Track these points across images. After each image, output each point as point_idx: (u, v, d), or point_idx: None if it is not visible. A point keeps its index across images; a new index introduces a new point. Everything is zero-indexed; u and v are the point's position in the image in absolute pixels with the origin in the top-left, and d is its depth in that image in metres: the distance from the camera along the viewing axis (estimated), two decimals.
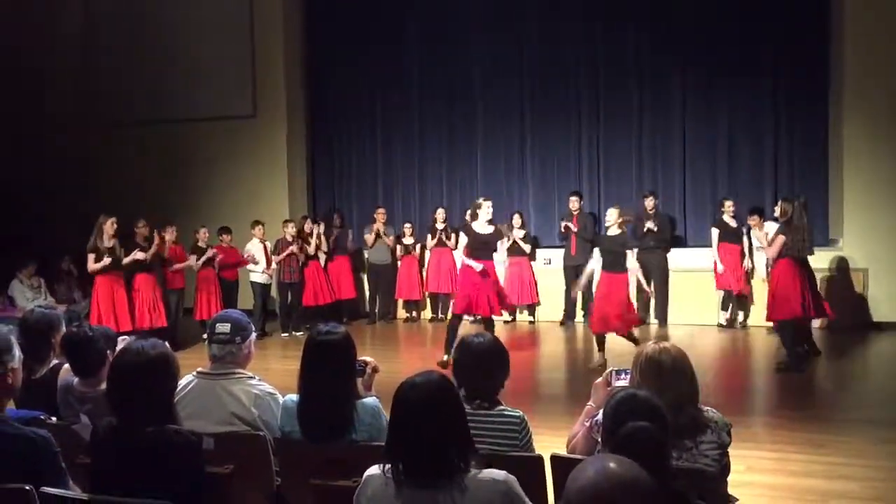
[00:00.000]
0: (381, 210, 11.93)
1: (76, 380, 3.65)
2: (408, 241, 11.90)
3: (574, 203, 11.21)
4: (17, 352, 2.80)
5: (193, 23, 12.77)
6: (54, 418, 3.49)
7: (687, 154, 11.65)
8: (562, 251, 11.46)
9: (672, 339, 9.34)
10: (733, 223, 10.48)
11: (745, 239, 10.40)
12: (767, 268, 8.82)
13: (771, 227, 8.80)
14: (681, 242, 11.46)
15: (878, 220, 10.30)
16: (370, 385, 3.55)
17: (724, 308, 10.74)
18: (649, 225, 10.70)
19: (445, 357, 8.12)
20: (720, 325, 10.66)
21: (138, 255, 9.51)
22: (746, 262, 10.37)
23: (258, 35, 12.72)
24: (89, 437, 2.89)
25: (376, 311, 11.94)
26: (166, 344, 2.96)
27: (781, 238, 7.95)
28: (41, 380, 3.81)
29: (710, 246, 10.56)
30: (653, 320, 10.90)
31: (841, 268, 10.42)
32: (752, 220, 9.74)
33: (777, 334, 8.78)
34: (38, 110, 13.12)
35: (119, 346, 3.76)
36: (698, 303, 10.71)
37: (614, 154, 11.98)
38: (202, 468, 2.74)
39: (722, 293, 10.70)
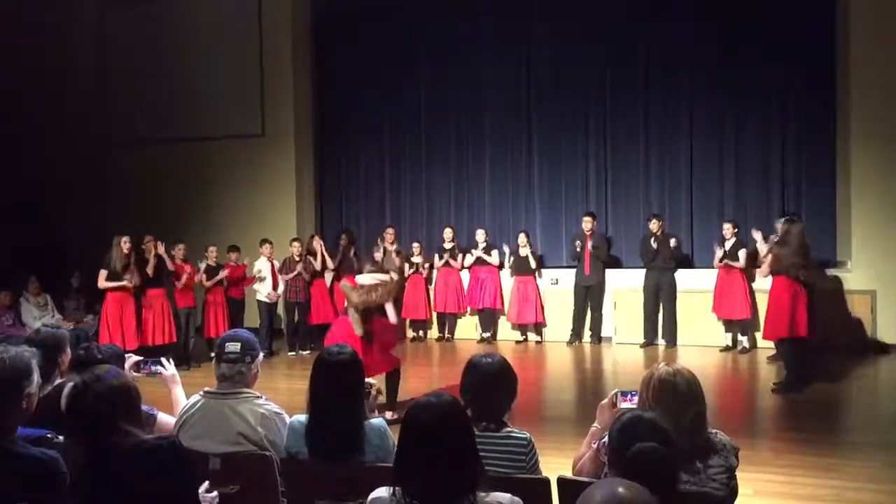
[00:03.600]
0: (389, 229, 11.92)
1: None
2: (416, 259, 11.89)
3: (587, 223, 11.19)
4: (35, 377, 2.75)
5: (203, 43, 12.89)
6: (61, 437, 3.49)
7: (694, 175, 11.66)
8: (569, 271, 11.45)
9: (680, 360, 9.33)
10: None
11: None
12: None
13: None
14: (687, 263, 11.44)
15: (886, 241, 10.26)
16: (374, 407, 3.56)
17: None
18: (672, 243, 10.68)
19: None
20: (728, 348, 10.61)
21: (126, 283, 9.53)
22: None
23: (267, 55, 12.82)
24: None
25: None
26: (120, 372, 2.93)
27: (772, 257, 8.02)
28: (46, 398, 3.81)
29: (714, 267, 10.52)
30: (661, 341, 10.87)
31: (849, 289, 10.37)
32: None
33: (780, 354, 8.78)
34: (53, 130, 13.22)
35: (127, 364, 3.78)
36: (704, 323, 10.65)
37: (622, 174, 12.01)
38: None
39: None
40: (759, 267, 8.82)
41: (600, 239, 11.30)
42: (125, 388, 2.73)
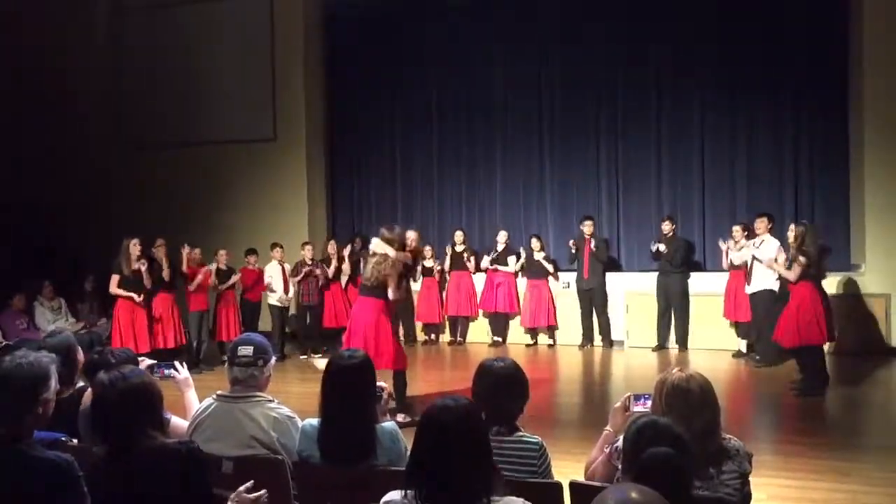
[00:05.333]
0: (411, 232, 11.79)
1: None
2: (428, 263, 11.87)
3: (587, 227, 11.13)
4: (53, 383, 2.76)
5: (215, 47, 12.95)
6: (75, 440, 3.50)
7: (706, 178, 11.63)
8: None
9: (691, 364, 9.29)
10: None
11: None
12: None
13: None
14: (699, 266, 11.39)
15: None
16: (385, 411, 3.57)
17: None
18: (660, 247, 10.63)
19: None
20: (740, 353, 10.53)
21: (134, 295, 9.45)
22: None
23: (279, 59, 12.86)
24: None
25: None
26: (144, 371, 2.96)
27: (799, 266, 7.94)
28: (65, 401, 3.82)
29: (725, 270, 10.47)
30: (673, 345, 10.82)
31: (863, 293, 10.30)
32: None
33: (801, 359, 8.72)
34: (65, 132, 13.29)
35: (141, 367, 3.79)
36: (717, 327, 10.59)
37: (633, 177, 11.98)
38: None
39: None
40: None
41: (599, 241, 11.23)
42: (148, 388, 2.78)
